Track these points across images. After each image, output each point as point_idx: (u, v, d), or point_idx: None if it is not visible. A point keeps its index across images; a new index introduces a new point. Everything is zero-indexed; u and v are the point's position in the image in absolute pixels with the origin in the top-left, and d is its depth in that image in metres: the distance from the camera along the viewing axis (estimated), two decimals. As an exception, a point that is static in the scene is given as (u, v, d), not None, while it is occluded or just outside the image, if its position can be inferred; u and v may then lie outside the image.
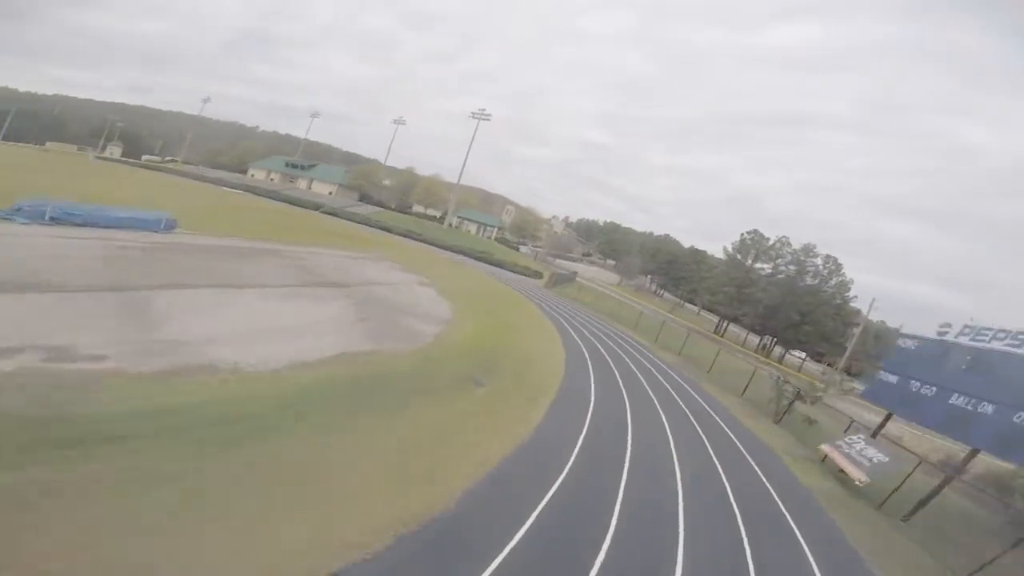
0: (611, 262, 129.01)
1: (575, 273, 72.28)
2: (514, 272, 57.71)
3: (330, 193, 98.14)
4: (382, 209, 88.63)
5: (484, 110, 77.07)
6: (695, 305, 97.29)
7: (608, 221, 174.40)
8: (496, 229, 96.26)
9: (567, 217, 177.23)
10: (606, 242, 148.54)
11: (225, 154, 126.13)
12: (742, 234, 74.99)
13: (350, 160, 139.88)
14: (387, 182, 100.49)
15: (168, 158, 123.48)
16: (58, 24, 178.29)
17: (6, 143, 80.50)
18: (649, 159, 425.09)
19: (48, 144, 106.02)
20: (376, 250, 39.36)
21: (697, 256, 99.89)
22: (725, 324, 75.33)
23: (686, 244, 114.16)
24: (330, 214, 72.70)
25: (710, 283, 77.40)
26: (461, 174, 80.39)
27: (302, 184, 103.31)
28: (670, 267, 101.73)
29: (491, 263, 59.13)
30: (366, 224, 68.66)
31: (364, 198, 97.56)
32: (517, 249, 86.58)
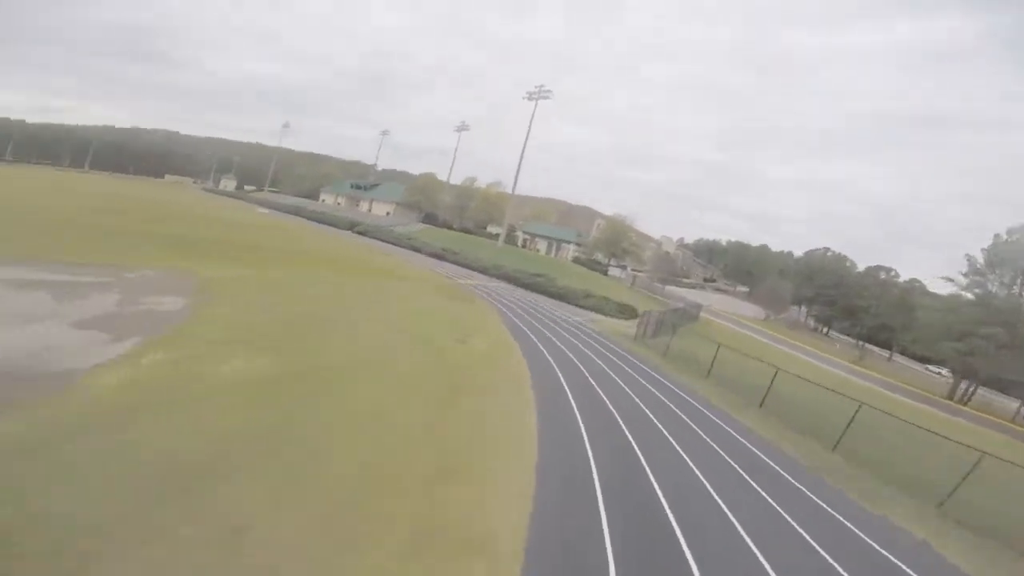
0: (742, 288, 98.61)
1: (699, 306, 47.36)
2: (582, 307, 35.55)
3: (387, 213, 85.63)
4: (430, 227, 72.57)
5: (543, 86, 57.53)
6: (885, 349, 63.99)
7: (733, 240, 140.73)
8: (574, 246, 74.30)
9: (681, 238, 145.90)
10: (733, 264, 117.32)
11: (308, 181, 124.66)
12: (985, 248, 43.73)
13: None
14: (446, 198, 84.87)
15: (254, 188, 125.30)
16: (210, 73, 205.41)
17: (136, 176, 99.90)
18: (768, 173, 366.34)
19: (166, 176, 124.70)
20: (239, 270, 20.87)
21: (874, 278, 67.05)
22: (971, 387, 43.35)
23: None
24: (360, 233, 58.00)
25: (935, 325, 45.52)
26: (516, 180, 60.80)
27: (364, 206, 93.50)
28: (837, 293, 69.69)
29: (550, 293, 37.72)
30: (394, 243, 52.00)
31: (428, 218, 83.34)
32: (605, 272, 63.84)
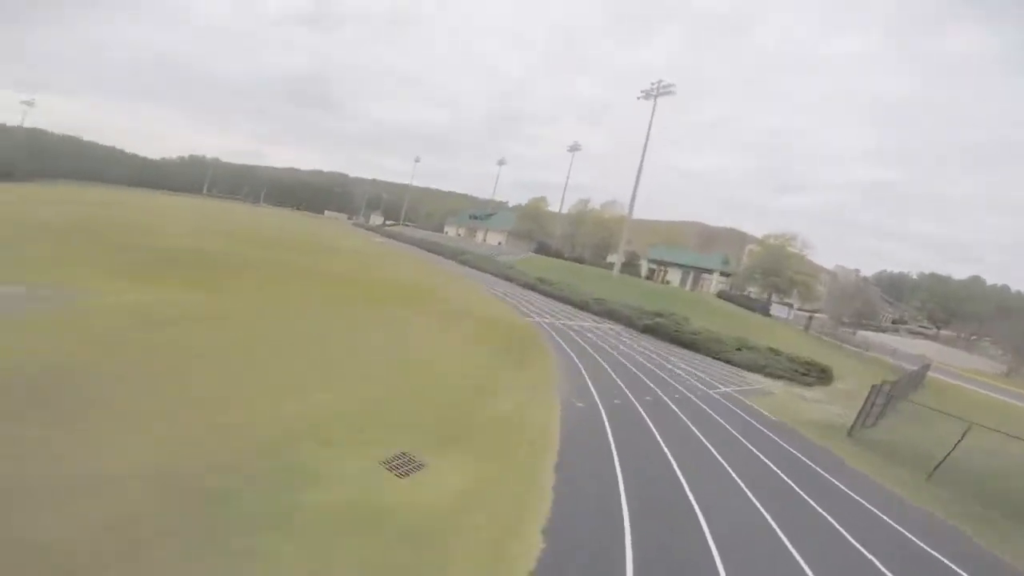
0: (946, 332, 71.10)
1: (926, 364, 30.03)
2: (734, 362, 22.62)
3: (499, 243, 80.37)
4: (536, 256, 64.26)
5: (662, 81, 45.63)
6: None
7: (926, 272, 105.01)
8: (718, 275, 58.53)
9: (857, 270, 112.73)
10: (930, 301, 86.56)
11: (437, 215, 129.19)
12: None
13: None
14: (558, 227, 76.29)
15: (391, 222, 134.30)
16: (376, 122, 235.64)
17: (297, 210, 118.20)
18: (951, 191, 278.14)
19: (326, 212, 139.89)
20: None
21: None
22: None
23: None
24: (463, 263, 52.24)
25: None
26: (635, 195, 48.78)
27: (479, 236, 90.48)
28: None
29: (681, 341, 25.48)
30: (492, 273, 44.53)
31: (541, 247, 75.90)
32: (766, 312, 47.74)
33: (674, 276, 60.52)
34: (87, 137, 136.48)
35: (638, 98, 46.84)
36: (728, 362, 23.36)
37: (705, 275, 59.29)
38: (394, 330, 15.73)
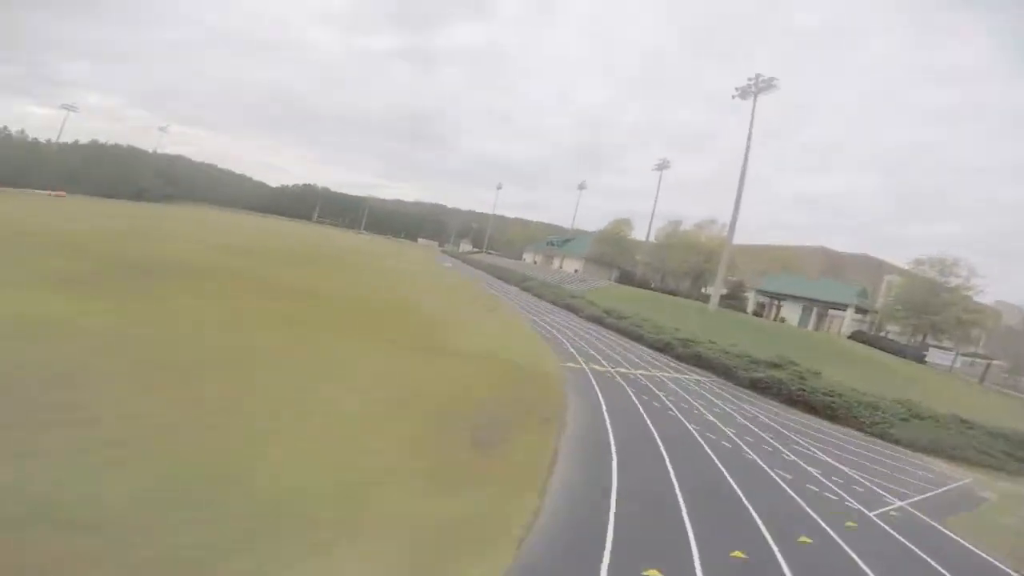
0: None
1: None
2: (888, 438, 13.89)
3: (575, 271, 73.66)
4: (615, 285, 56.53)
5: (760, 75, 36.22)
6: None
7: None
8: (852, 312, 45.58)
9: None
10: None
11: (517, 242, 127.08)
12: None
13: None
14: (642, 255, 67.80)
15: (475, 249, 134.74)
16: (467, 152, 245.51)
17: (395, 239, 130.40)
18: None
19: (419, 240, 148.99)
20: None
21: None
22: None
23: None
24: (525, 290, 46.97)
25: None
26: (737, 210, 39.16)
27: (556, 263, 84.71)
28: None
29: (806, 403, 17.09)
30: (552, 302, 38.30)
31: (624, 276, 67.95)
32: (920, 359, 35.38)
33: (791, 312, 48.71)
34: (223, 165, 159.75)
35: (733, 97, 38.48)
36: (887, 439, 14.72)
37: (834, 311, 46.87)
38: (299, 369, 10.34)
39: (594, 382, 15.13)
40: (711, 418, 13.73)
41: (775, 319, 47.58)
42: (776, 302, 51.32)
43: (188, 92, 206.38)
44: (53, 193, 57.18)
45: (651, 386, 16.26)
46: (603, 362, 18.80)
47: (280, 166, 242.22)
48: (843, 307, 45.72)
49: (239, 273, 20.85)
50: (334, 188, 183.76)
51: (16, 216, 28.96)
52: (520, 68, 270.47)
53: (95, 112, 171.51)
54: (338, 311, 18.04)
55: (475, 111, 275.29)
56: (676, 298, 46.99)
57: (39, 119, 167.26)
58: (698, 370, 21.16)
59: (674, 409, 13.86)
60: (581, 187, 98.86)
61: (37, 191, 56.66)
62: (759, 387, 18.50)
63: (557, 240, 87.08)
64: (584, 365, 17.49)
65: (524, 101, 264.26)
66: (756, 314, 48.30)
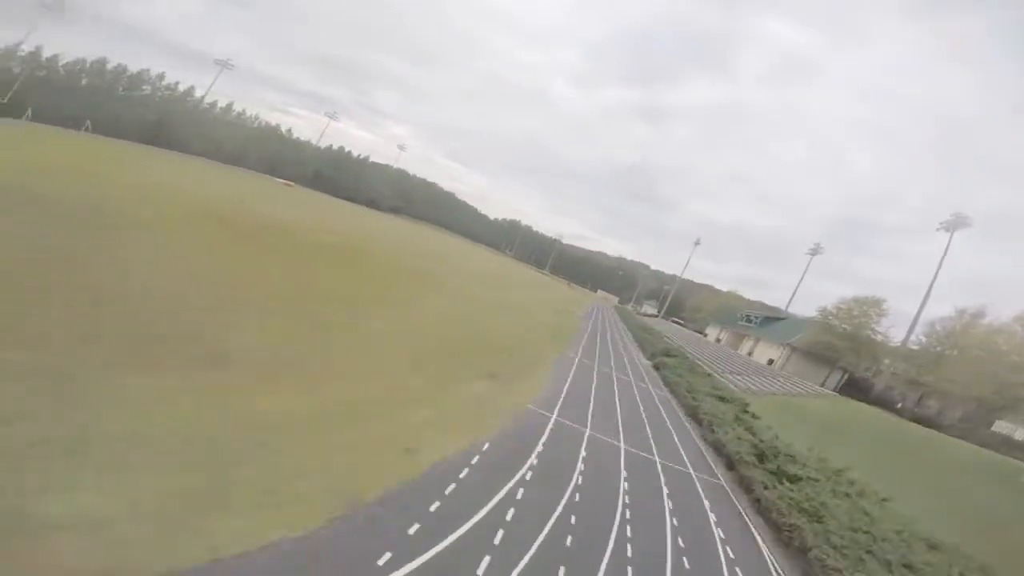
0: None
1: None
2: None
3: (769, 361, 52.38)
4: (831, 395, 35.68)
5: None
6: None
7: None
8: None
9: None
10: None
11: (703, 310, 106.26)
12: None
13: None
14: (893, 361, 43.49)
15: (656, 313, 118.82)
16: (687, 214, 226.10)
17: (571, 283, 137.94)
18: None
19: (599, 291, 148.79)
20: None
21: None
22: None
23: None
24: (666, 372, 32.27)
25: None
26: None
27: (747, 346, 63.47)
28: None
29: None
30: (696, 418, 23.61)
31: (853, 385, 44.88)
32: None
33: None
34: (447, 188, 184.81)
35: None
36: None
37: None
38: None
39: None
40: None
41: None
42: None
43: (459, 131, 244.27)
44: (283, 181, 68.65)
45: None
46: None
47: (518, 207, 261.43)
48: None
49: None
50: (536, 229, 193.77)
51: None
52: (766, 126, 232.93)
53: (393, 139, 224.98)
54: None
55: (706, 172, 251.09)
56: (950, 439, 25.31)
57: (356, 139, 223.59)
58: None
59: None
60: (814, 252, 74.35)
61: (276, 179, 68.82)
62: None
63: (756, 316, 65.80)
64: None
65: (768, 164, 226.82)
66: None
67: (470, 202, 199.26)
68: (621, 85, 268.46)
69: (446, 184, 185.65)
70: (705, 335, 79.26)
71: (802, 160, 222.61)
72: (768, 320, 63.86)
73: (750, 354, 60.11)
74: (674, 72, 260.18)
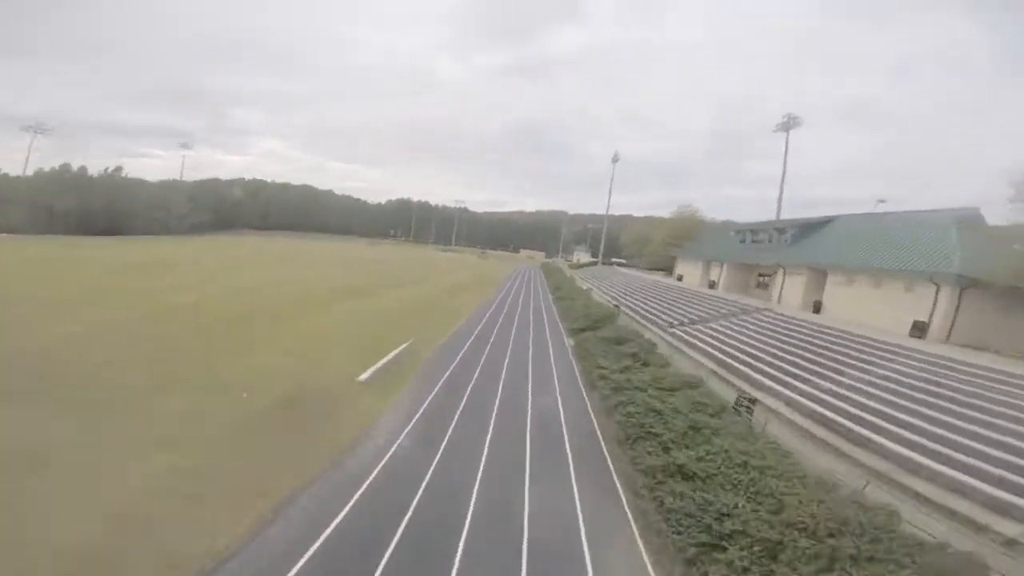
0: None
1: None
2: None
3: (920, 327, 22.38)
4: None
5: None
6: None
7: None
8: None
9: None
10: None
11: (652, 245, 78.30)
12: None
13: None
14: None
15: (593, 260, 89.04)
16: (591, 158, 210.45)
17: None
18: None
19: (521, 251, 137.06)
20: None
21: None
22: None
23: None
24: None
25: None
26: None
27: (778, 285, 33.74)
28: None
29: None
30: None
31: None
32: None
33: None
34: (338, 189, 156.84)
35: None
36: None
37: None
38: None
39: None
40: None
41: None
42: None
43: (349, 132, 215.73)
44: None
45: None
46: None
47: (428, 191, 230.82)
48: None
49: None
50: (475, 208, 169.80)
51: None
52: (645, 66, 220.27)
53: (270, 156, 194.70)
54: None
55: (598, 116, 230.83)
56: None
57: (225, 164, 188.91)
58: None
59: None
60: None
61: None
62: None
63: (784, 225, 35.17)
64: None
65: (651, 97, 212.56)
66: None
67: (365, 197, 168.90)
68: (495, 49, 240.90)
69: (339, 186, 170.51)
70: (679, 279, 49.44)
71: (680, 87, 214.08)
72: (810, 225, 33.54)
73: (779, 299, 30.43)
74: (537, 26, 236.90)
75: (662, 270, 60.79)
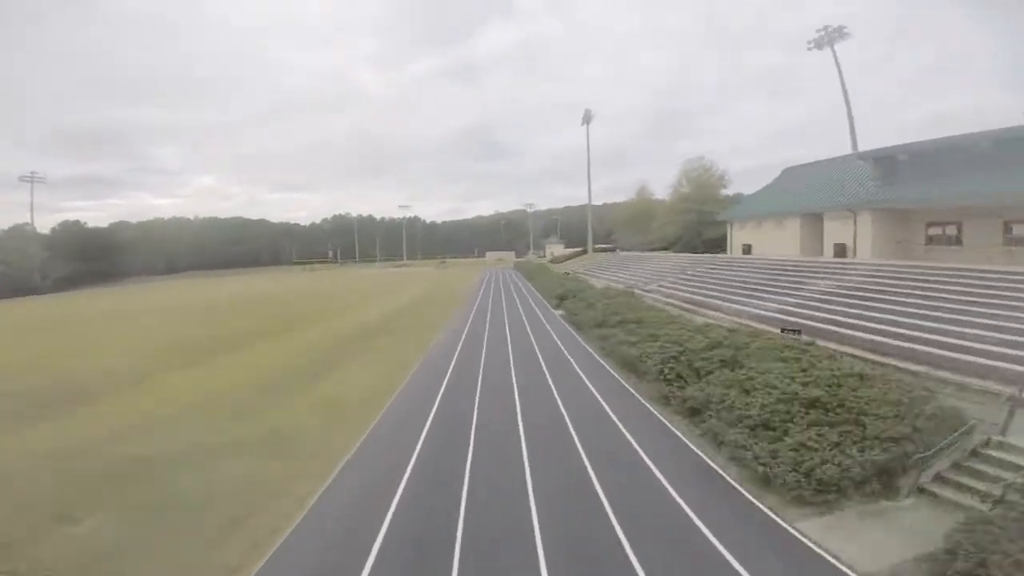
0: None
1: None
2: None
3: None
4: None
5: None
6: None
7: None
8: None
9: None
10: None
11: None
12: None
13: None
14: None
15: (576, 250, 71.32)
16: (539, 154, 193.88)
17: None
18: None
19: (488, 255, 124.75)
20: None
21: None
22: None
23: None
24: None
25: None
26: None
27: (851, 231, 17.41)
28: None
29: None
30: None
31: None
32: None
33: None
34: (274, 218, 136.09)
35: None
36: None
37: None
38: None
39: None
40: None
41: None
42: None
43: (279, 160, 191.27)
44: None
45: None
46: None
47: (372, 208, 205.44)
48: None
49: None
50: (427, 218, 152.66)
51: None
52: (576, 55, 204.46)
53: (209, 193, 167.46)
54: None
55: (538, 110, 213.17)
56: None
57: (164, 210, 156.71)
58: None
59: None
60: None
61: None
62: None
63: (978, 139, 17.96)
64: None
65: (586, 85, 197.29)
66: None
67: (297, 221, 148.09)
68: (427, 55, 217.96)
69: (281, 216, 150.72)
70: (746, 250, 32.49)
71: (612, 73, 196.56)
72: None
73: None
74: (465, 26, 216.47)
75: (664, 249, 51.69)
